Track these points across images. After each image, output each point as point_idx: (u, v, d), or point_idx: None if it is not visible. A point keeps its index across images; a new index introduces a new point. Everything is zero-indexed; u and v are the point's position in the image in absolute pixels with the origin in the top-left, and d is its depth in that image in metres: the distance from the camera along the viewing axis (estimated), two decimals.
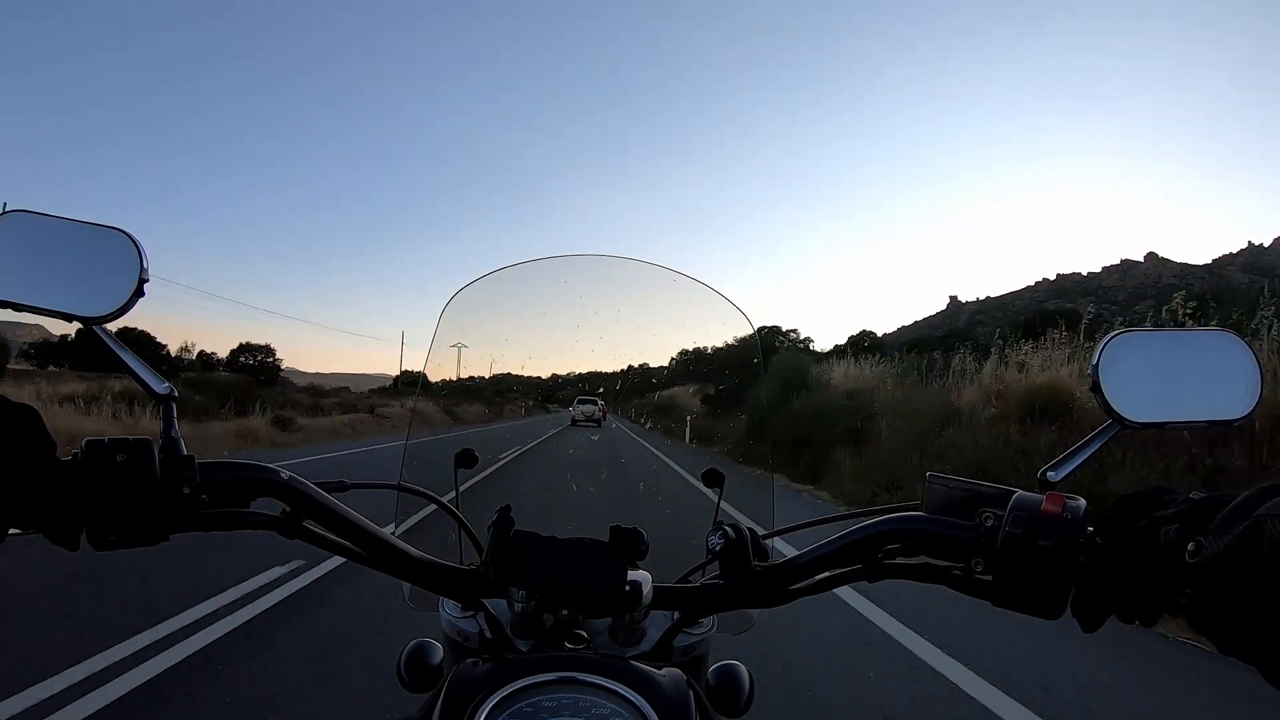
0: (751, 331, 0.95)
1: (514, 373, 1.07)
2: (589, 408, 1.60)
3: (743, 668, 0.81)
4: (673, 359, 1.07)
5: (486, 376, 1.10)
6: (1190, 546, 0.46)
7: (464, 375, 1.04)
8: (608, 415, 1.78)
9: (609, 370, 1.08)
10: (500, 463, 1.81)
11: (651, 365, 1.07)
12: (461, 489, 0.85)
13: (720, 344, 1.01)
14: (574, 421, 1.70)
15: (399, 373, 51.56)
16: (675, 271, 0.90)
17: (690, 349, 1.06)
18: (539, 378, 1.11)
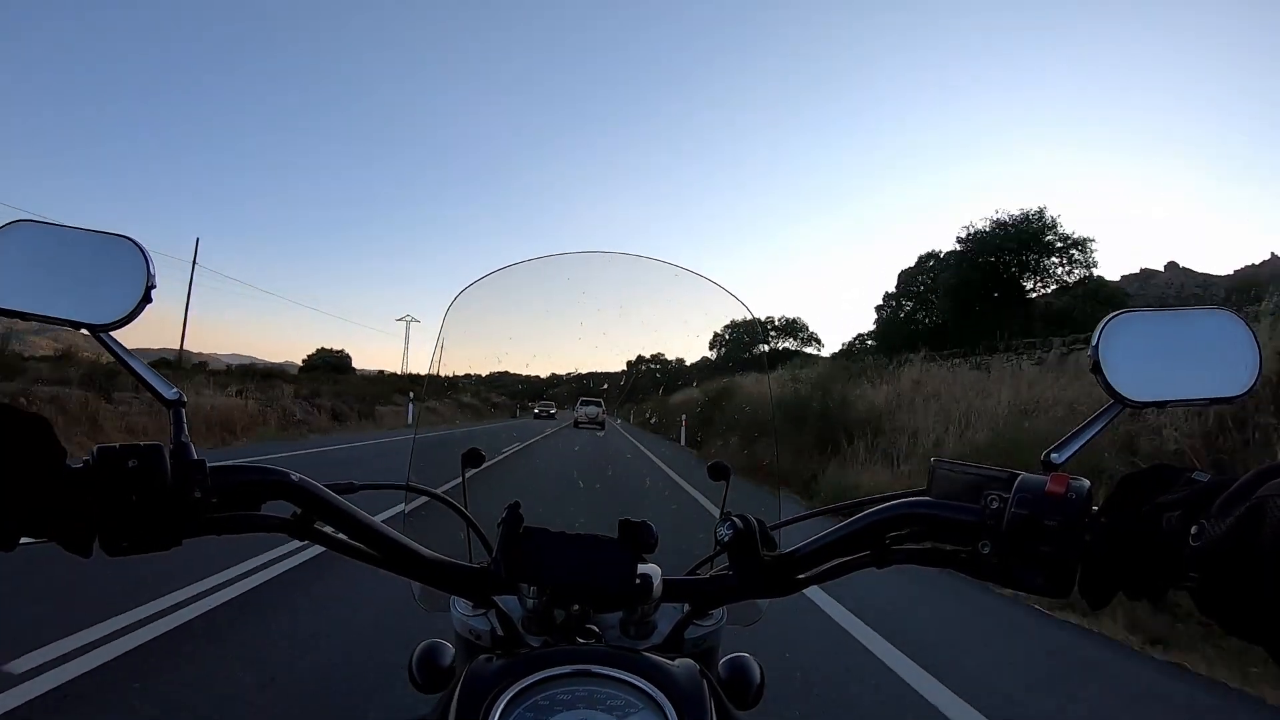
0: (757, 328, 0.95)
1: (511, 370, 1.07)
2: (592, 409, 1.59)
3: (753, 660, 0.81)
4: (677, 356, 1.07)
5: (484, 375, 1.10)
6: (1193, 530, 0.47)
7: (463, 374, 1.04)
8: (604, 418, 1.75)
9: (612, 370, 1.08)
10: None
11: (655, 363, 1.08)
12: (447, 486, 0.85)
13: (725, 339, 1.02)
14: (576, 423, 1.70)
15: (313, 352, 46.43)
16: (678, 266, 0.91)
17: (695, 345, 1.06)
18: (539, 376, 1.11)
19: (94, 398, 12.53)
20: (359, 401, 24.78)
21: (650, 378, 1.17)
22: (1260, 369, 0.61)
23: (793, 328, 53.71)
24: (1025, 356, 12.12)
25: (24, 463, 0.52)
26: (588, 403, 1.50)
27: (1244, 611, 0.44)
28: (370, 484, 0.76)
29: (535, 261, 0.90)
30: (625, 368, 1.09)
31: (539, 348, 1.00)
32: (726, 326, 1.00)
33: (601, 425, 1.65)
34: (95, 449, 0.54)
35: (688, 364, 1.15)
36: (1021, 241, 26.49)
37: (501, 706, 0.52)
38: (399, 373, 49.86)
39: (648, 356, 1.07)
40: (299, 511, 0.62)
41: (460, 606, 0.75)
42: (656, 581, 0.65)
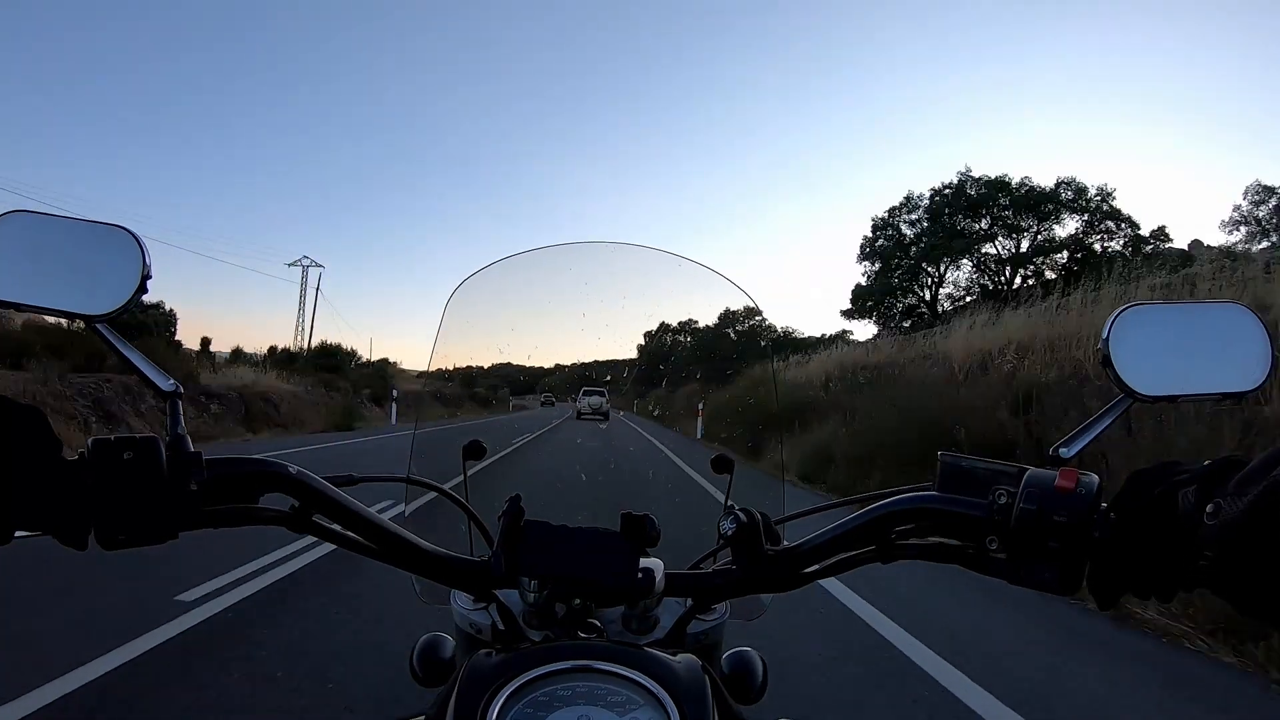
0: (760, 315, 0.95)
1: (514, 362, 1.07)
2: (596, 399, 1.55)
3: (756, 654, 0.81)
4: (680, 346, 1.06)
5: (485, 367, 1.09)
6: (1209, 508, 0.46)
7: (464, 365, 1.03)
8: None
9: (616, 359, 1.07)
10: None
11: (658, 352, 1.07)
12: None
13: (728, 328, 1.01)
14: (579, 414, 1.67)
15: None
16: (680, 256, 0.91)
17: (696, 334, 1.05)
18: (542, 367, 1.10)
19: None
20: None
21: (656, 367, 1.16)
22: (1273, 363, 0.60)
23: (1077, 202, 26.20)
24: None
25: (19, 455, 0.51)
26: (590, 392, 1.48)
27: (1260, 592, 0.44)
28: (370, 476, 0.76)
29: (537, 252, 0.90)
30: (636, 354, 1.08)
31: (541, 338, 1.00)
32: (731, 314, 0.99)
33: (605, 416, 1.61)
34: (90, 441, 0.54)
35: (686, 354, 1.14)
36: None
37: (500, 702, 0.51)
38: (293, 347, 33.93)
39: (647, 347, 1.05)
40: (297, 504, 0.61)
41: (461, 600, 0.75)
42: (659, 576, 0.64)
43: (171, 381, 0.61)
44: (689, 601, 0.70)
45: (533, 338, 1.00)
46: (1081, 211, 26.81)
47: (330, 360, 29.28)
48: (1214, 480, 0.47)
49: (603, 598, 0.65)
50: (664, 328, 1.04)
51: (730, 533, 0.64)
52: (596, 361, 1.09)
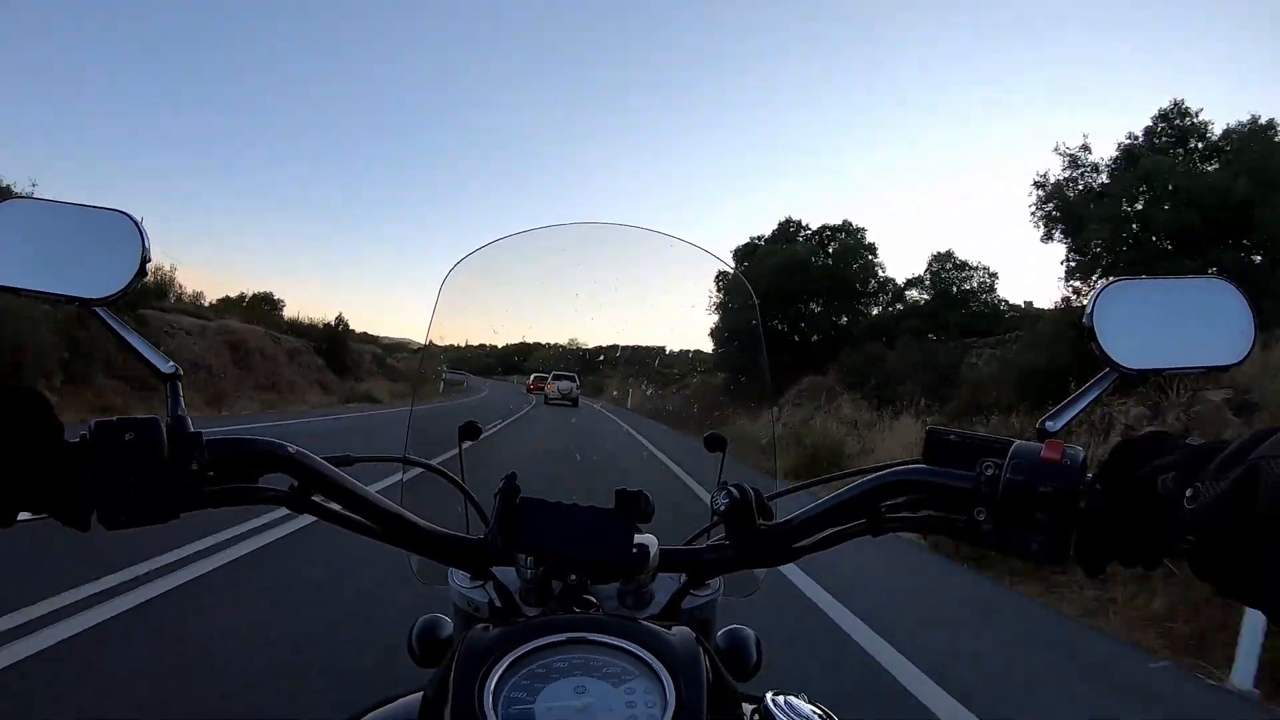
0: (752, 298, 0.95)
1: (511, 343, 1.07)
2: (565, 384, 1.53)
3: (750, 631, 0.82)
4: (670, 326, 1.07)
5: (478, 345, 1.10)
6: (1188, 493, 0.47)
7: (460, 344, 1.04)
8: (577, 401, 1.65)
9: (610, 342, 1.08)
10: None
11: (650, 334, 1.07)
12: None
13: (722, 310, 1.01)
14: (548, 400, 1.65)
15: None
16: (674, 237, 0.91)
17: (686, 315, 1.06)
18: (542, 343, 1.10)
19: None
20: None
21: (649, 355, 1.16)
22: (1255, 337, 0.61)
23: None
24: None
25: (22, 439, 0.52)
26: (560, 377, 1.45)
27: (1239, 575, 0.45)
28: (367, 456, 0.77)
29: (533, 232, 0.90)
30: (624, 342, 1.08)
31: (535, 320, 1.01)
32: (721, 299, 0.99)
33: (575, 402, 1.59)
34: (92, 423, 0.54)
35: (676, 335, 1.15)
36: None
37: (498, 675, 0.52)
38: None
39: (639, 329, 1.06)
40: (296, 484, 0.62)
41: (458, 579, 0.76)
42: (653, 551, 0.65)
43: (171, 364, 0.61)
44: (683, 577, 0.72)
45: (527, 319, 1.00)
46: None
47: None
48: (1193, 465, 0.48)
49: (598, 573, 0.66)
50: (654, 310, 1.05)
51: (723, 509, 0.65)
52: (599, 345, 1.10)
